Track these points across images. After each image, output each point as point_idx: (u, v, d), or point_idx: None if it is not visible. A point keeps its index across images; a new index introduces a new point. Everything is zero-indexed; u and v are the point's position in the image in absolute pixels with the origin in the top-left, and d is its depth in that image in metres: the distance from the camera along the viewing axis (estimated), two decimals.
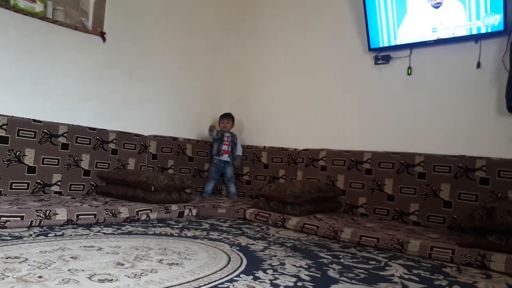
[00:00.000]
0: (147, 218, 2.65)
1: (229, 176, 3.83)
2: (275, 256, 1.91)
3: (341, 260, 1.92)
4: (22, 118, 2.80)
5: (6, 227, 2.02)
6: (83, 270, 1.46)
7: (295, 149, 3.65)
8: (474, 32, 2.81)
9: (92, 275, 1.41)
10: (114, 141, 3.28)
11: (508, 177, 2.57)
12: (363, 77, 3.43)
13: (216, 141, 3.82)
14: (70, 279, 1.36)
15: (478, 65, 2.86)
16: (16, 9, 2.82)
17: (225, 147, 3.79)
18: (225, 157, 3.79)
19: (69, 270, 1.45)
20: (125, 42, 3.47)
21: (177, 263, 1.67)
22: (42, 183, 2.85)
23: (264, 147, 3.84)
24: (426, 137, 3.05)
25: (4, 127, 2.69)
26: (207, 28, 4.11)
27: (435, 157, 2.88)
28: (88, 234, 2.09)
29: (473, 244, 2.07)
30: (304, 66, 3.81)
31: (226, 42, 4.29)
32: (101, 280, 1.37)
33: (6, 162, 2.69)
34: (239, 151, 3.88)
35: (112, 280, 1.38)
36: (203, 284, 1.41)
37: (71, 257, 1.62)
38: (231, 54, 4.32)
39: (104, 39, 3.30)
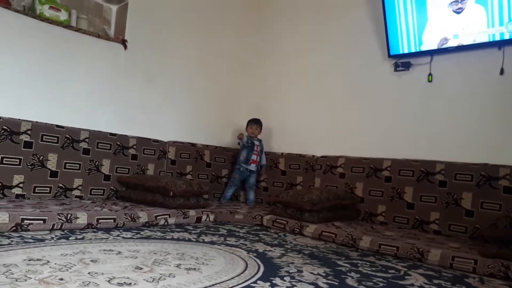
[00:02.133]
0: (165, 223, 2.68)
1: (251, 183, 3.79)
2: (292, 263, 1.90)
3: (360, 269, 1.89)
4: (46, 123, 2.87)
5: (29, 230, 2.07)
6: (102, 274, 1.48)
7: (313, 155, 3.63)
8: (497, 38, 2.76)
9: (111, 279, 1.43)
10: (134, 146, 3.33)
11: None
12: (382, 84, 3.40)
13: (245, 148, 3.74)
14: (90, 281, 1.38)
15: (502, 72, 2.81)
16: (42, 18, 2.91)
17: (254, 157, 3.74)
18: (253, 167, 3.74)
19: (89, 273, 1.48)
20: (145, 49, 3.53)
21: (195, 268, 1.68)
22: (64, 187, 2.91)
23: (282, 153, 3.84)
24: (447, 145, 3.00)
25: (29, 132, 2.76)
26: (224, 35, 4.15)
27: (457, 165, 2.82)
28: (107, 238, 2.12)
29: (496, 254, 2.01)
30: (322, 72, 3.80)
31: (243, 48, 4.32)
32: (120, 283, 1.39)
33: (30, 167, 2.76)
34: (264, 160, 3.84)
35: (130, 284, 1.40)
36: None
37: (91, 260, 1.65)
38: (248, 60, 4.34)
39: (125, 47, 3.37)
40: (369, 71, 3.48)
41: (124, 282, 1.41)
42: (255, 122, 3.81)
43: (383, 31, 3.27)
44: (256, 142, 3.76)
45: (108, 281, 1.40)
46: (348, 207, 3.13)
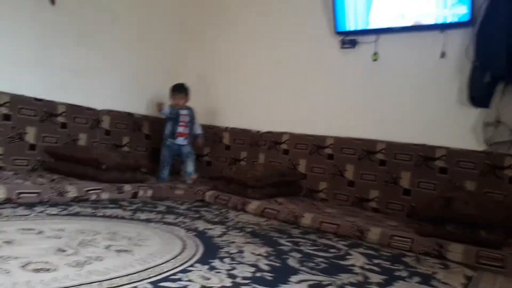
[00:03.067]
0: (97, 198, 2.47)
1: (186, 152, 3.29)
2: (233, 242, 1.82)
3: (301, 248, 1.86)
4: None
5: None
6: (16, 258, 1.30)
7: (258, 131, 3.55)
8: (441, 21, 2.79)
9: (27, 264, 1.26)
10: (64, 114, 3.03)
11: (467, 168, 2.60)
12: (329, 60, 3.35)
13: (169, 121, 3.25)
14: (0, 268, 1.20)
15: (443, 55, 2.85)
16: None
17: (180, 129, 3.24)
18: (181, 141, 3.25)
19: (0, 257, 1.29)
20: (77, 5, 3.18)
21: (126, 250, 1.54)
22: None
23: (226, 128, 3.71)
24: (389, 124, 3.03)
25: None
26: (168, 8, 3.87)
27: (397, 144, 2.87)
28: (29, 215, 1.91)
29: (432, 233, 2.07)
30: (270, 46, 3.68)
31: (190, 15, 4.07)
32: (37, 269, 1.22)
33: None
34: (198, 129, 3.38)
35: (49, 269, 1.23)
36: (153, 275, 1.29)
37: (4, 242, 1.45)
38: (194, 28, 4.11)
39: (53, 2, 3.01)
40: (316, 47, 3.41)
41: (42, 268, 1.24)
42: (179, 91, 3.27)
43: (331, 6, 3.20)
44: (183, 112, 3.26)
45: (23, 267, 1.23)
46: (290, 183, 3.10)
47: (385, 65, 3.10)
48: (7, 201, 2.05)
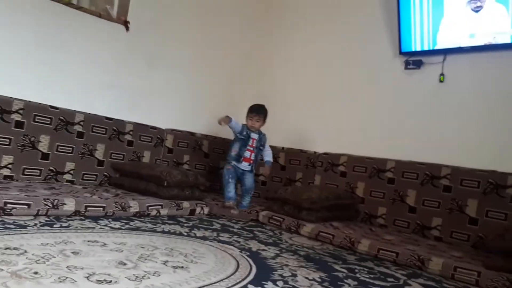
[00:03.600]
0: (157, 214, 2.58)
1: (248, 186, 3.04)
2: (286, 265, 1.80)
3: (357, 275, 1.80)
4: (39, 103, 2.76)
5: (12, 215, 1.97)
6: (82, 268, 1.38)
7: (315, 152, 3.52)
8: None
9: (91, 275, 1.33)
10: (131, 132, 3.22)
11: None
12: (392, 81, 3.27)
13: (237, 142, 3.02)
14: (67, 277, 1.28)
15: None
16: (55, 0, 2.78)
17: (247, 153, 3.01)
18: (245, 166, 3.02)
19: (67, 267, 1.38)
20: (147, 32, 3.40)
21: (182, 267, 1.58)
22: (54, 170, 2.80)
23: (283, 148, 3.72)
24: (455, 148, 2.88)
25: (21, 111, 2.66)
26: (231, 21, 4.01)
27: (463, 170, 2.71)
28: (94, 228, 2.03)
29: (502, 267, 1.91)
30: (329, 66, 3.67)
31: (249, 37, 4.18)
32: (100, 281, 1.29)
33: (20, 148, 2.65)
34: (268, 156, 3.11)
35: (111, 281, 1.30)
36: None
37: (72, 252, 1.55)
38: (253, 50, 4.21)
39: (127, 28, 3.25)
40: (379, 67, 3.35)
41: (104, 280, 1.31)
42: (258, 112, 3.02)
43: (396, 27, 3.14)
44: (254, 135, 3.02)
45: (87, 278, 1.30)
46: (347, 207, 3.02)
47: (452, 86, 2.96)
48: (76, 213, 2.19)
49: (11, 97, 2.64)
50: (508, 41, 2.65)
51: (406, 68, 3.18)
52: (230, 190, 2.96)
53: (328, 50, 3.70)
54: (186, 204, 2.76)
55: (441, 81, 3.00)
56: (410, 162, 2.95)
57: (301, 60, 3.89)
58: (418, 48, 3.05)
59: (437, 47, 2.96)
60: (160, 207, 2.60)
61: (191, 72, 3.77)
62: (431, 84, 3.05)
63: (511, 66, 2.70)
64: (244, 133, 2.99)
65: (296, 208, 2.74)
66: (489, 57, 2.79)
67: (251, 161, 3.03)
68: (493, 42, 2.71)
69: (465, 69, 2.91)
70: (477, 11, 2.75)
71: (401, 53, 3.15)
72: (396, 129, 3.19)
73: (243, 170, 3.02)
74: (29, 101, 2.71)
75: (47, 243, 1.62)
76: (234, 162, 3.00)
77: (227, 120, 2.92)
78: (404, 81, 3.20)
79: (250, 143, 3.01)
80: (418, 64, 3.11)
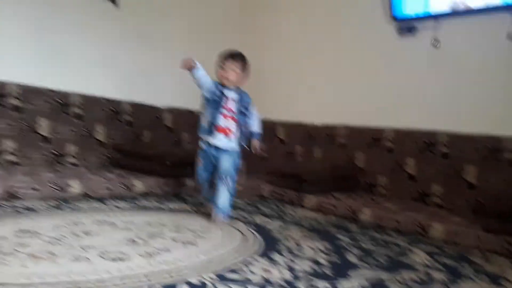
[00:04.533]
0: (162, 192, 2.62)
1: (224, 168, 2.06)
2: (291, 236, 1.85)
3: (360, 243, 1.85)
4: (37, 87, 2.75)
5: (21, 198, 2.00)
6: (95, 247, 1.42)
7: (313, 124, 3.53)
8: (510, 2, 2.60)
9: (104, 253, 1.38)
10: (130, 112, 3.22)
11: None
12: (385, 48, 3.24)
13: (209, 105, 2.08)
14: (81, 256, 1.32)
15: (511, 38, 2.66)
16: None
17: (222, 121, 2.06)
18: (221, 140, 2.07)
19: (81, 246, 1.42)
20: (139, 8, 3.35)
21: (191, 242, 1.62)
22: (57, 153, 2.82)
23: (281, 121, 3.73)
24: (452, 114, 2.88)
25: (18, 96, 2.65)
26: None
27: (462, 136, 2.73)
28: (101, 208, 2.06)
29: (500, 230, 1.97)
30: (321, 35, 3.63)
31: (240, 7, 4.11)
32: (114, 258, 1.33)
33: (21, 132, 2.66)
34: (254, 125, 2.19)
35: (124, 259, 1.34)
36: (218, 267, 1.36)
37: (83, 232, 1.59)
38: (245, 21, 4.14)
39: (114, 2, 3.20)
40: (371, 34, 3.30)
41: (118, 257, 1.35)
42: (233, 58, 2.11)
43: None
44: (230, 93, 2.08)
45: (101, 256, 1.35)
46: (348, 178, 3.07)
47: (447, 51, 2.95)
48: (83, 195, 2.23)
49: (6, 81, 2.63)
50: (500, 3, 2.62)
51: (399, 34, 3.15)
52: (206, 192, 2.18)
53: (320, 17, 3.63)
54: (189, 182, 2.79)
55: (435, 47, 2.98)
56: (408, 130, 2.98)
57: (294, 29, 3.84)
58: (411, 13, 3.02)
59: (430, 12, 2.93)
60: (164, 186, 2.63)
61: (186, 48, 3.73)
62: (425, 49, 3.03)
63: (505, 29, 2.69)
64: (216, 91, 2.06)
65: (297, 181, 2.78)
66: (481, 21, 2.77)
67: (230, 133, 2.06)
68: (486, 5, 2.68)
69: (459, 33, 2.89)
70: None
71: (393, 18, 3.11)
72: (392, 96, 3.18)
73: (218, 148, 2.06)
74: (26, 85, 2.70)
75: (59, 225, 1.66)
76: (205, 138, 2.09)
77: (190, 64, 1.99)
78: (398, 47, 3.18)
79: (225, 105, 2.06)
80: (411, 30, 3.08)
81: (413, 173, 2.87)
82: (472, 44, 2.83)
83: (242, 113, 2.11)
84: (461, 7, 2.78)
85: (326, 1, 3.60)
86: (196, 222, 1.98)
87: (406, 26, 3.09)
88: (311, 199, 2.62)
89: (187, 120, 3.60)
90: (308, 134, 3.51)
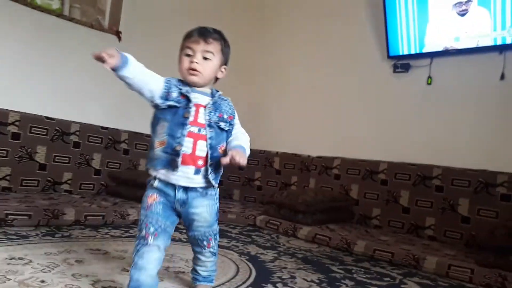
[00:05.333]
0: None
1: (204, 225, 1.37)
2: (285, 268, 1.85)
3: (354, 275, 1.84)
4: (35, 115, 2.78)
5: (13, 225, 1.99)
6: (87, 276, 1.41)
7: (309, 155, 3.57)
8: (499, 42, 2.71)
9: (96, 282, 1.37)
10: (126, 141, 3.25)
11: None
12: (381, 85, 3.34)
13: (163, 118, 1.31)
14: (73, 285, 1.31)
15: (502, 77, 2.76)
16: (33, 5, 2.81)
17: (189, 142, 1.28)
18: (190, 177, 1.30)
19: (72, 275, 1.41)
20: (140, 42, 3.44)
21: (184, 272, 1.61)
22: (52, 181, 2.82)
23: (277, 152, 3.77)
24: (445, 149, 2.95)
25: (17, 123, 2.68)
26: (223, 31, 4.05)
27: (454, 170, 2.77)
28: (95, 236, 2.05)
29: (494, 264, 1.97)
30: (320, 71, 3.74)
31: (241, 45, 4.23)
32: (104, 287, 1.32)
33: (17, 159, 2.67)
34: (242, 139, 1.41)
35: None
36: None
37: (76, 261, 1.58)
38: (243, 56, 4.26)
39: (119, 38, 3.28)
40: (368, 71, 3.42)
41: (109, 286, 1.34)
42: (204, 37, 1.39)
43: (383, 31, 3.21)
44: (199, 97, 1.35)
45: (92, 285, 1.33)
46: (342, 209, 3.08)
47: (440, 88, 3.04)
48: (76, 222, 2.22)
49: (6, 109, 2.66)
50: (490, 43, 2.73)
51: (394, 71, 3.25)
52: (142, 268, 1.23)
53: (318, 56, 3.76)
54: None
55: (429, 84, 3.07)
56: (402, 164, 3.02)
57: (292, 65, 3.96)
58: (406, 52, 3.13)
59: (424, 50, 3.04)
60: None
61: None
62: (420, 86, 3.13)
63: (492, 67, 2.78)
64: (175, 93, 1.31)
65: (292, 211, 2.79)
66: (473, 60, 2.87)
67: (202, 162, 1.30)
68: (477, 45, 2.79)
69: (451, 71, 2.99)
70: (462, 15, 2.84)
71: (389, 57, 3.22)
72: (387, 131, 3.26)
73: (186, 188, 1.30)
74: (24, 112, 2.73)
75: (51, 252, 1.65)
76: (160, 173, 1.30)
77: (113, 56, 1.28)
78: (393, 84, 3.28)
79: (192, 115, 1.30)
80: (406, 67, 3.19)
81: (407, 205, 2.89)
82: (465, 82, 2.93)
83: (221, 129, 1.33)
84: (454, 47, 2.89)
85: (326, 38, 3.72)
86: (189, 252, 1.96)
87: (401, 64, 3.19)
88: (305, 230, 2.62)
89: None
90: (304, 165, 3.54)
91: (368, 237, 2.53)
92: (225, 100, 1.43)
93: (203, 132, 1.30)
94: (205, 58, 1.35)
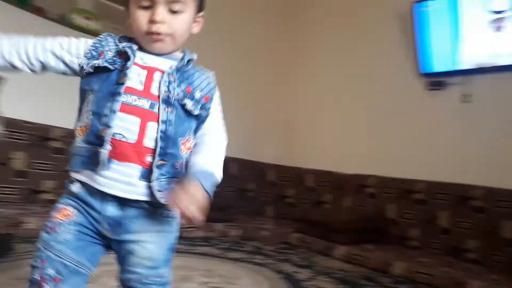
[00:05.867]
0: (191, 236, 2.64)
1: (145, 264, 0.86)
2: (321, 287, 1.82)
3: None
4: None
5: None
6: None
7: (343, 173, 3.53)
8: None
9: None
10: None
11: None
12: (414, 101, 3.27)
13: (87, 87, 0.85)
14: None
15: None
16: (75, 27, 2.93)
17: (126, 123, 0.81)
18: (126, 175, 0.81)
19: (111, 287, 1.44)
20: None
21: None
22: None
23: (310, 169, 3.75)
24: (485, 168, 2.84)
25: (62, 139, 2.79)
26: (257, 43, 4.05)
27: (497, 191, 2.67)
28: None
29: None
30: (353, 86, 3.71)
31: (270, 58, 4.23)
32: None
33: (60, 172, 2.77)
34: (214, 156, 0.91)
35: None
36: None
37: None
38: (279, 70, 4.26)
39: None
40: (400, 88, 3.36)
41: None
42: None
43: (414, 47, 3.15)
44: (156, 62, 0.87)
45: None
46: (378, 229, 3.01)
47: (478, 106, 2.95)
48: None
49: (49, 125, 2.78)
50: None
51: (428, 89, 3.19)
52: None
53: (351, 71, 3.74)
54: (218, 226, 2.81)
55: (465, 101, 2.99)
56: (440, 183, 2.93)
57: (325, 81, 3.95)
58: (439, 69, 3.06)
59: (458, 67, 2.96)
60: (193, 228, 2.66)
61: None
62: (455, 104, 3.04)
63: None
64: (109, 52, 0.87)
65: (327, 230, 2.76)
66: (511, 77, 2.78)
67: (149, 159, 0.82)
68: None
69: (489, 88, 2.90)
70: (499, 31, 2.76)
71: (421, 73, 3.16)
72: (423, 149, 3.17)
73: (123, 200, 0.83)
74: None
75: None
76: (83, 175, 0.83)
77: None
78: (427, 101, 3.20)
79: (139, 81, 0.84)
80: (440, 85, 3.11)
81: (446, 226, 2.80)
82: (504, 99, 2.83)
83: (188, 112, 0.87)
84: (491, 64, 2.81)
85: (359, 54, 3.70)
86: (224, 267, 1.98)
87: (435, 81, 3.13)
88: (340, 249, 2.57)
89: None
90: (337, 182, 3.50)
91: (406, 258, 2.46)
92: (202, 73, 0.93)
93: (156, 109, 0.82)
94: (172, 12, 0.84)
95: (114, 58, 0.85)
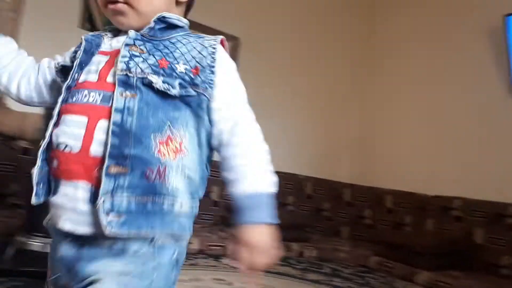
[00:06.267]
0: None
1: None
2: None
3: None
4: None
5: None
6: None
7: (425, 194, 3.38)
8: None
9: None
10: None
11: None
12: (507, 119, 3.07)
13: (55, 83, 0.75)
14: None
15: None
16: None
17: (73, 126, 0.63)
18: (71, 199, 0.62)
19: None
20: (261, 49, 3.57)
21: None
22: None
23: (389, 189, 3.64)
24: None
25: None
26: (332, 57, 4.03)
27: None
28: (217, 266, 2.20)
29: None
30: (434, 101, 3.56)
31: (346, 75, 4.19)
32: None
33: None
34: (255, 166, 0.71)
35: None
36: None
37: None
38: (351, 85, 4.20)
39: None
40: (491, 105, 3.17)
41: None
42: None
43: (508, 61, 2.97)
44: (115, 41, 0.71)
45: None
46: (464, 254, 2.83)
47: None
48: (200, 251, 2.40)
49: None
50: None
51: None
52: None
53: (437, 90, 3.59)
54: (295, 246, 2.84)
55: None
56: None
57: (404, 97, 3.84)
58: None
59: None
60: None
61: (284, 113, 3.85)
62: None
63: None
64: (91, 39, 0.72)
65: (408, 254, 2.66)
66: None
67: (118, 169, 0.61)
68: None
69: None
70: None
71: None
72: None
73: (77, 237, 0.64)
74: None
75: (180, 279, 1.81)
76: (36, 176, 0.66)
77: None
78: None
79: (93, 72, 0.68)
80: None
81: None
82: None
83: (162, 93, 0.65)
84: None
85: (445, 66, 3.55)
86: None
87: None
88: (423, 275, 2.47)
89: (292, 184, 3.70)
90: (419, 204, 3.36)
91: (496, 287, 2.29)
92: (196, 38, 0.70)
93: (111, 101, 0.63)
94: None
95: (76, 50, 0.69)
